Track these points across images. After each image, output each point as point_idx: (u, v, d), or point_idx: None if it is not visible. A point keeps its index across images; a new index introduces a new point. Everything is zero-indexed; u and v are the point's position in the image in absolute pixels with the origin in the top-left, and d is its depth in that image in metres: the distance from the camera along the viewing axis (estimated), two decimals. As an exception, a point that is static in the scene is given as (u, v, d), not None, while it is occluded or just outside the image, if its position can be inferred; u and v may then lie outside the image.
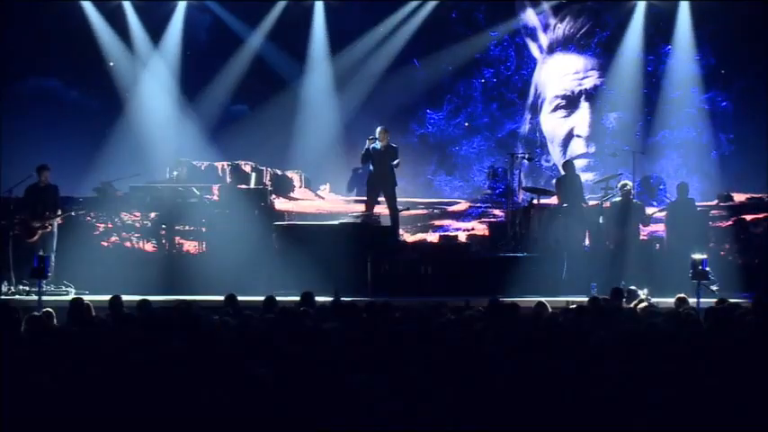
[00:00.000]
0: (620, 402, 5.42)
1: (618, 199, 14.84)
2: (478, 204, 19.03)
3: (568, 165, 16.47)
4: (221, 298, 11.10)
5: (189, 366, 5.96)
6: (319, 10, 19.33)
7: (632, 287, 13.32)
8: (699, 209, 16.23)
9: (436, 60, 19.64)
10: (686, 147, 19.17)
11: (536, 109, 20.03)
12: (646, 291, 12.79)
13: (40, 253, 13.43)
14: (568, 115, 19.97)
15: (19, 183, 14.68)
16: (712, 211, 17.05)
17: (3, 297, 13.80)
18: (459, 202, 19.42)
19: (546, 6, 19.75)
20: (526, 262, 15.10)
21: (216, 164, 18.97)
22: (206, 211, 15.96)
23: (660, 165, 18.99)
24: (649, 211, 15.04)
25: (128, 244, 16.00)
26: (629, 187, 14.83)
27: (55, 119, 19.04)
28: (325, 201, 19.38)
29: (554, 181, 16.58)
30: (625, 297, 11.57)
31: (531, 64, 19.99)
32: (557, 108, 19.98)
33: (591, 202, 15.64)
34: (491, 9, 19.66)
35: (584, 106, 19.95)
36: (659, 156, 19.04)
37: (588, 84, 19.89)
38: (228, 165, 18.89)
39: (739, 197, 18.49)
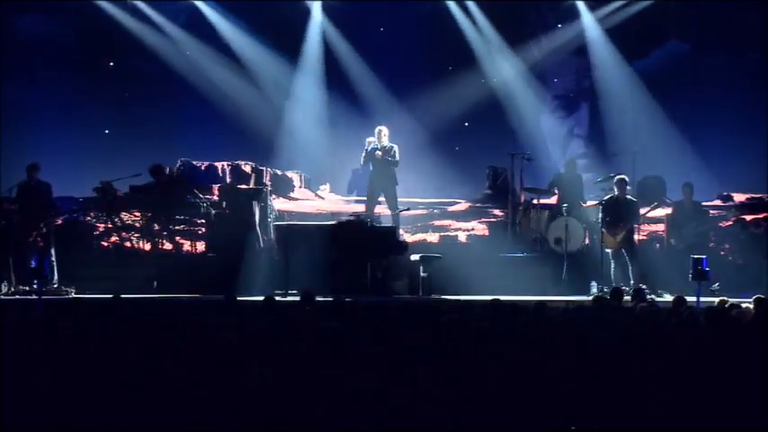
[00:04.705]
0: (620, 402, 5.42)
1: (613, 194, 14.76)
2: (478, 204, 19.02)
3: (570, 164, 16.45)
4: (221, 298, 11.09)
5: (189, 366, 5.96)
6: (317, 9, 19.34)
7: (641, 286, 13.35)
8: (704, 209, 16.27)
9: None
10: (687, 146, 19.16)
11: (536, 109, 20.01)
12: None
13: (40, 251, 13.46)
14: (568, 115, 19.96)
15: (18, 183, 14.70)
16: (712, 211, 17.07)
17: (3, 297, 13.80)
18: (459, 202, 19.40)
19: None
20: (526, 262, 15.12)
21: (216, 164, 18.99)
22: (206, 212, 15.96)
23: (660, 164, 18.97)
24: (643, 210, 15.02)
25: (128, 244, 16.02)
26: (624, 183, 14.76)
27: (54, 119, 19.04)
28: (325, 201, 19.38)
29: (553, 177, 16.51)
30: (630, 296, 11.59)
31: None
32: (557, 108, 19.97)
33: (590, 203, 15.63)
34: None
35: (584, 106, 19.94)
36: (659, 155, 19.02)
37: (588, 84, 19.89)
38: (228, 165, 18.91)
39: (739, 197, 18.49)
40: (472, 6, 19.29)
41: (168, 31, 18.96)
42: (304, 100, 19.35)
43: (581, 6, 19.22)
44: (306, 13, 19.37)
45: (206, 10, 19.14)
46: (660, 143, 19.04)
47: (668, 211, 16.35)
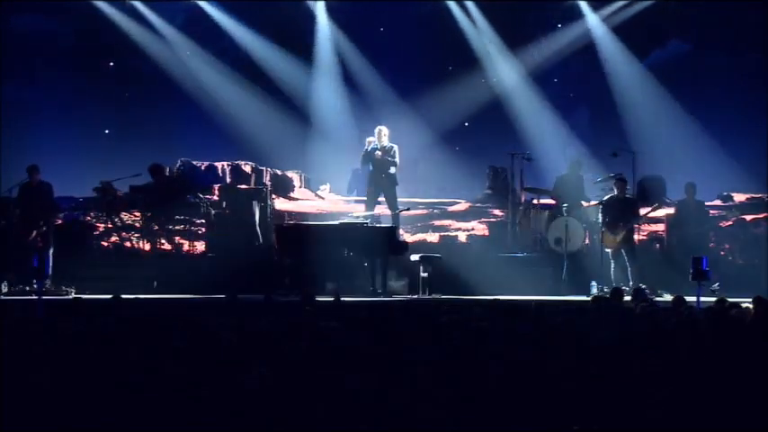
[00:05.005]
0: (620, 402, 5.42)
1: (613, 194, 14.75)
2: (478, 204, 19.03)
3: (575, 164, 16.41)
4: (221, 298, 11.10)
5: (189, 366, 5.96)
6: (321, 9, 19.32)
7: (642, 286, 13.35)
8: (706, 209, 16.29)
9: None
10: (686, 146, 19.14)
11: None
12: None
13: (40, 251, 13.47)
14: (568, 115, 19.95)
15: (18, 183, 14.71)
16: (712, 211, 17.07)
17: (3, 297, 13.80)
18: (459, 202, 19.41)
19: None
20: (526, 262, 15.12)
21: (216, 164, 18.99)
22: (206, 212, 15.96)
23: (661, 164, 18.96)
24: (643, 211, 15.03)
25: (128, 244, 16.03)
26: (624, 183, 14.77)
27: (54, 119, 19.04)
28: (325, 201, 19.39)
29: (555, 181, 16.51)
30: (630, 296, 11.59)
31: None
32: (557, 108, 19.96)
33: (591, 202, 15.64)
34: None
35: (584, 106, 19.93)
36: (660, 155, 19.01)
37: (588, 84, 19.88)
38: (228, 165, 18.92)
39: (739, 197, 18.50)
40: (472, 7, 19.29)
41: (166, 33, 18.93)
42: (306, 99, 19.33)
43: (583, 6, 19.21)
44: (306, 13, 19.34)
45: (209, 9, 19.07)
46: (664, 142, 19.00)
47: (669, 210, 16.36)
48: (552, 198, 16.19)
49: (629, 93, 19.45)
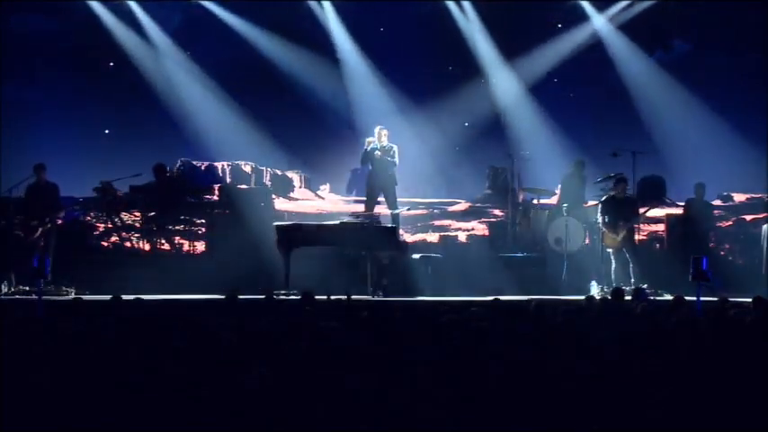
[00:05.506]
0: (620, 402, 5.42)
1: (612, 194, 14.76)
2: (478, 204, 19.03)
3: (578, 164, 16.40)
4: (221, 298, 11.09)
5: (189, 366, 5.96)
6: (328, 8, 19.30)
7: (642, 285, 13.36)
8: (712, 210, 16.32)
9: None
10: (687, 146, 19.15)
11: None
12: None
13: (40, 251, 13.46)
14: (569, 115, 19.95)
15: (19, 183, 14.69)
16: (712, 211, 17.07)
17: (3, 297, 13.80)
18: (459, 202, 19.41)
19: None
20: (526, 262, 15.12)
21: (216, 164, 19.00)
22: (206, 211, 15.96)
23: (661, 164, 18.95)
24: (640, 210, 15.03)
25: (128, 244, 16.03)
26: (624, 182, 14.78)
27: (54, 119, 19.04)
28: (325, 201, 19.40)
29: (562, 179, 16.52)
30: (631, 296, 11.59)
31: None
32: (557, 108, 19.97)
33: (590, 202, 15.64)
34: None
35: (585, 106, 19.93)
36: (660, 155, 19.01)
37: (588, 83, 19.88)
38: (228, 165, 18.92)
39: (739, 197, 18.50)
40: (472, 8, 19.28)
41: (165, 34, 18.91)
42: (308, 99, 19.33)
43: (586, 6, 19.20)
44: (306, 12, 19.31)
45: (210, 6, 19.03)
46: (661, 143, 19.01)
47: (670, 210, 16.36)
48: (552, 193, 16.22)
49: (632, 92, 19.45)
